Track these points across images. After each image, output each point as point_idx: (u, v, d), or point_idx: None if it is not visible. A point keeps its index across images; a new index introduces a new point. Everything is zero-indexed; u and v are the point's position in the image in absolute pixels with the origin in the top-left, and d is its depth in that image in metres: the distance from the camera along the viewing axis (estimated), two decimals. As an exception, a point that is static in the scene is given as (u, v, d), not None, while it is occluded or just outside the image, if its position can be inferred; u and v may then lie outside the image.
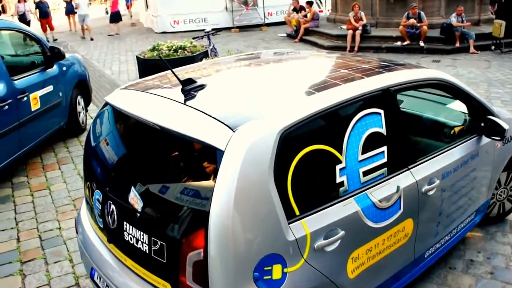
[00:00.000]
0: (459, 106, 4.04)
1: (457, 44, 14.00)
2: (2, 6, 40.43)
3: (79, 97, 7.91)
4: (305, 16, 17.14)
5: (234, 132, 2.28)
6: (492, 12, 16.63)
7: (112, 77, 12.51)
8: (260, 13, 20.08)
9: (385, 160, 2.92)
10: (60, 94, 7.18)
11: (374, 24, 15.50)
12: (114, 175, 2.94)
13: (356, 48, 14.42)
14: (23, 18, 18.66)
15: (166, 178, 2.63)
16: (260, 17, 20.05)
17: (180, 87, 2.75)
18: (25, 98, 6.20)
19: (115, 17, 21.15)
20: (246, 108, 2.60)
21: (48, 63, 6.99)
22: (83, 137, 7.70)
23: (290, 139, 2.41)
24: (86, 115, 8.26)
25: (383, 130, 2.93)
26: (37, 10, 19.70)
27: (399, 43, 14.36)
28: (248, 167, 2.23)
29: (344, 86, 2.88)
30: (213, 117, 2.41)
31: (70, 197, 5.70)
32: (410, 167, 3.10)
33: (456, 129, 3.98)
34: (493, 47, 14.19)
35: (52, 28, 20.28)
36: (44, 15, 19.71)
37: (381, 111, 2.94)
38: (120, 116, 3.05)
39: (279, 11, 20.55)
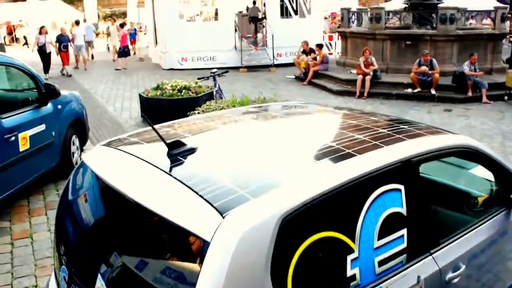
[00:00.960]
0: (483, 172, 3.58)
1: (469, 93, 13.64)
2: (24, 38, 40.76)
3: (74, 137, 7.52)
4: (315, 58, 16.90)
5: (223, 218, 1.86)
6: (504, 61, 16.37)
7: (114, 114, 12.18)
8: (269, 53, 19.89)
9: (404, 245, 2.47)
10: (53, 133, 6.80)
11: (385, 70, 15.21)
12: (82, 253, 2.49)
13: (365, 94, 14.09)
14: (42, 49, 18.46)
15: (143, 259, 2.19)
16: (269, 58, 19.85)
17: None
18: (13, 138, 5.81)
19: (124, 52, 21.04)
20: (241, 183, 2.16)
21: (42, 101, 6.63)
22: (75, 179, 7.28)
23: (293, 226, 1.98)
24: (80, 156, 7.86)
25: (403, 210, 2.48)
26: (57, 43, 19.52)
27: (409, 90, 14.02)
28: (239, 262, 1.80)
29: (359, 157, 2.45)
30: (200, 195, 1.98)
31: (52, 249, 5.24)
32: (432, 251, 2.64)
33: (481, 200, 3.52)
34: (506, 98, 13.82)
35: (67, 63, 19.98)
36: (65, 48, 19.45)
37: (401, 187, 2.49)
38: (96, 180, 2.62)
39: (288, 52, 20.37)
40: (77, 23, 22.18)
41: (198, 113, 7.08)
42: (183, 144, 2.44)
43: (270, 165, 2.44)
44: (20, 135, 5.96)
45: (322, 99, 13.97)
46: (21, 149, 5.98)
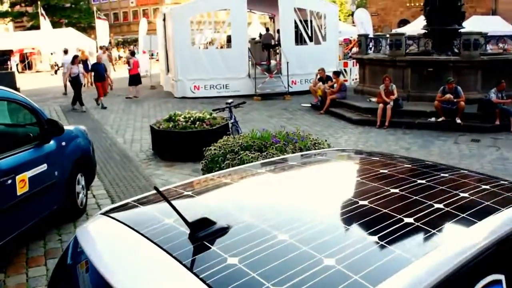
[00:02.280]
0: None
1: (497, 122, 12.96)
2: (28, 63, 40.90)
3: (79, 175, 6.93)
4: (332, 86, 16.32)
5: None
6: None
7: (123, 146, 11.61)
8: (284, 81, 19.35)
9: None
10: (56, 173, 6.20)
11: (406, 98, 14.58)
12: None
13: (387, 123, 13.43)
14: (75, 80, 17.49)
15: None
16: (283, 86, 19.30)
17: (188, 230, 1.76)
18: (10, 181, 5.21)
19: (135, 80, 20.62)
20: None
21: (44, 138, 6.06)
22: (81, 221, 6.67)
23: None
24: (86, 195, 7.25)
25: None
26: (92, 72, 18.64)
27: (433, 119, 13.35)
28: None
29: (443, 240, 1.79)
30: None
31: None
32: None
33: None
34: (536, 125, 13.13)
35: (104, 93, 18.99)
36: (101, 78, 18.48)
37: (502, 277, 1.83)
38: (89, 264, 1.99)
39: (303, 80, 19.85)
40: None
41: (215, 149, 6.44)
42: (212, 223, 1.84)
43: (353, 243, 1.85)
44: (18, 177, 5.36)
45: (341, 129, 13.36)
46: (19, 193, 5.37)
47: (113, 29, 57.22)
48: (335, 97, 15.90)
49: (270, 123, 13.91)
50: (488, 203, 2.25)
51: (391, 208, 2.21)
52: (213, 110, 9.78)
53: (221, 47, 21.92)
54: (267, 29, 25.99)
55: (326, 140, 7.23)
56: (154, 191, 2.43)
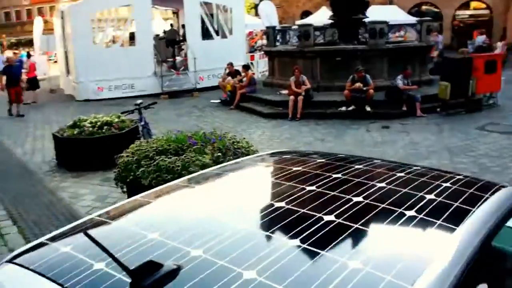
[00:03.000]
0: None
1: (404, 108, 13.27)
2: None
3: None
4: (241, 81, 16.00)
5: None
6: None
7: (23, 158, 10.57)
8: (191, 77, 18.82)
9: None
10: None
11: (316, 88, 14.54)
12: None
13: (298, 115, 13.32)
14: None
15: None
16: (191, 82, 18.77)
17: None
18: None
19: (32, 84, 19.20)
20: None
21: None
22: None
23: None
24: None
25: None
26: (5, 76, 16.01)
27: (344, 108, 13.42)
28: None
29: None
30: None
31: None
32: None
33: None
34: (438, 109, 13.58)
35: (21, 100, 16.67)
36: (14, 82, 15.96)
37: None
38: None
39: (211, 75, 19.41)
40: None
41: (127, 156, 5.86)
42: (158, 266, 1.45)
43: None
44: None
45: (254, 124, 13.08)
46: None
47: (4, 29, 53.76)
48: (245, 91, 15.61)
49: (180, 122, 13.38)
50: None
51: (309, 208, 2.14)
52: (122, 113, 9.10)
53: (125, 45, 20.89)
54: (171, 25, 25.29)
55: (244, 138, 6.85)
56: (74, 224, 1.95)
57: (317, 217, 2.04)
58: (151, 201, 2.50)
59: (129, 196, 6.31)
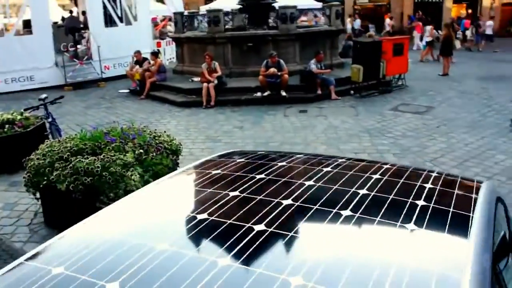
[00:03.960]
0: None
1: (319, 92, 13.27)
2: None
3: None
4: (148, 70, 15.19)
5: None
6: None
7: None
8: (96, 67, 17.75)
9: None
10: None
11: (228, 75, 14.20)
12: None
13: (212, 103, 12.93)
14: None
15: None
16: (96, 72, 17.70)
17: None
18: None
19: None
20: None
21: None
22: None
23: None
24: None
25: None
26: None
27: (259, 94, 13.19)
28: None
29: None
30: None
31: None
32: None
33: None
34: (352, 92, 13.76)
35: None
36: None
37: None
38: None
39: (117, 64, 18.44)
40: None
41: (38, 158, 5.20)
42: None
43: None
44: None
45: (168, 114, 12.48)
46: None
47: None
48: (155, 79, 14.93)
49: (88, 115, 12.55)
50: None
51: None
52: (25, 110, 8.22)
53: (20, 34, 19.24)
54: (71, 12, 23.79)
55: (165, 132, 6.37)
56: None
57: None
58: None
59: (43, 203, 5.66)
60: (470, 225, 1.89)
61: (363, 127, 10.54)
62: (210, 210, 1.99)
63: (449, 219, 1.96)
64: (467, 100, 13.05)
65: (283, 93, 13.05)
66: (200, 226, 1.87)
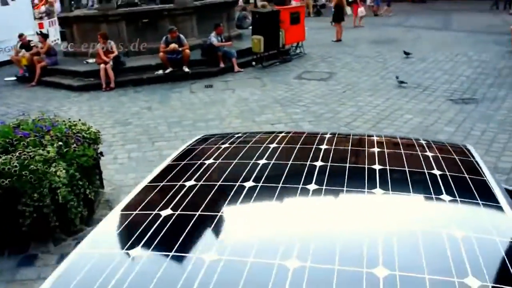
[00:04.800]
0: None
1: (222, 65, 13.08)
2: None
3: None
4: (38, 54, 14.09)
5: None
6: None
7: None
8: (-28, 54, 16.23)
9: None
10: None
11: (126, 53, 13.55)
12: None
13: (112, 84, 12.28)
14: None
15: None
16: (-27, 59, 16.20)
17: None
18: None
19: None
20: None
21: None
22: None
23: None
24: None
25: None
26: None
27: (161, 71, 12.72)
28: None
29: None
30: None
31: None
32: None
33: None
34: (254, 63, 13.72)
35: None
36: None
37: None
38: None
39: (-3, 49, 16.99)
40: None
41: None
42: None
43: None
44: None
45: (66, 100, 11.67)
46: None
47: None
48: (45, 64, 13.87)
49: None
50: None
51: None
52: None
53: None
54: None
55: (79, 120, 5.89)
56: None
57: None
58: None
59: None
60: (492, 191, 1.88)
61: (273, 97, 10.54)
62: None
63: (471, 186, 1.94)
64: (364, 64, 13.49)
65: (186, 69, 12.71)
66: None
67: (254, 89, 11.27)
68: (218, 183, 1.97)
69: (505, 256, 1.44)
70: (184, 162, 2.24)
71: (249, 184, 1.89)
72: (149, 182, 2.02)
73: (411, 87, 10.78)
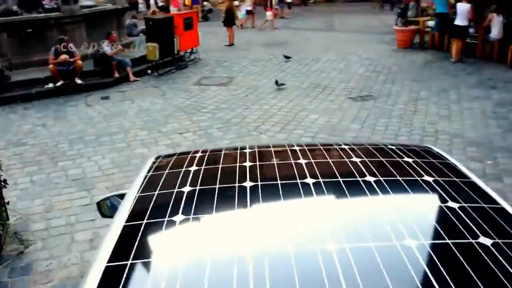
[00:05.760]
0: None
1: (116, 75, 12.58)
2: None
3: None
4: None
5: None
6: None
7: None
8: None
9: None
10: None
11: (9, 67, 12.56)
12: None
13: (-3, 102, 11.34)
14: None
15: None
16: None
17: None
18: None
19: None
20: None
21: None
22: None
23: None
24: None
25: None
26: None
27: (51, 85, 11.91)
28: None
29: None
30: None
31: None
32: None
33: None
34: (149, 71, 13.37)
35: None
36: None
37: None
38: None
39: None
40: None
41: None
42: None
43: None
44: None
45: None
46: None
47: None
48: None
49: None
50: None
51: None
52: None
53: None
54: None
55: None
56: None
57: None
58: None
59: None
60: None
61: (175, 105, 10.31)
62: None
63: (461, 190, 1.99)
64: (261, 67, 13.65)
65: (79, 81, 12.03)
66: None
67: (154, 99, 10.95)
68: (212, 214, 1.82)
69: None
70: (158, 191, 2.02)
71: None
72: (127, 222, 1.79)
73: (311, 87, 11.06)
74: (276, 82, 11.21)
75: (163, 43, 12.87)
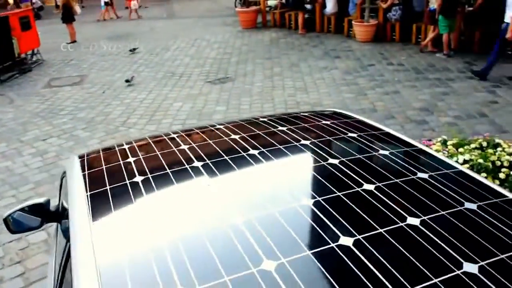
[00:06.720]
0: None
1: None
2: None
3: None
4: None
5: None
6: None
7: None
8: None
9: None
10: None
11: None
12: None
13: None
14: None
15: None
16: None
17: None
18: None
19: None
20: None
21: None
22: None
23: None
24: None
25: None
26: None
27: None
28: None
29: None
30: None
31: None
32: None
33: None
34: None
35: None
36: None
37: None
38: None
39: None
40: None
41: None
42: None
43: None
44: None
45: None
46: None
47: None
48: None
49: None
50: None
51: None
52: None
53: None
54: None
55: None
56: None
57: None
58: None
59: None
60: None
61: (29, 112, 9.70)
62: None
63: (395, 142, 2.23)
64: (112, 61, 13.29)
65: None
66: None
67: (2, 108, 10.17)
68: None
69: None
70: (108, 187, 2.00)
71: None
72: (93, 221, 1.76)
73: (167, 76, 11.09)
74: (127, 80, 10.93)
75: (0, 46, 11.95)
